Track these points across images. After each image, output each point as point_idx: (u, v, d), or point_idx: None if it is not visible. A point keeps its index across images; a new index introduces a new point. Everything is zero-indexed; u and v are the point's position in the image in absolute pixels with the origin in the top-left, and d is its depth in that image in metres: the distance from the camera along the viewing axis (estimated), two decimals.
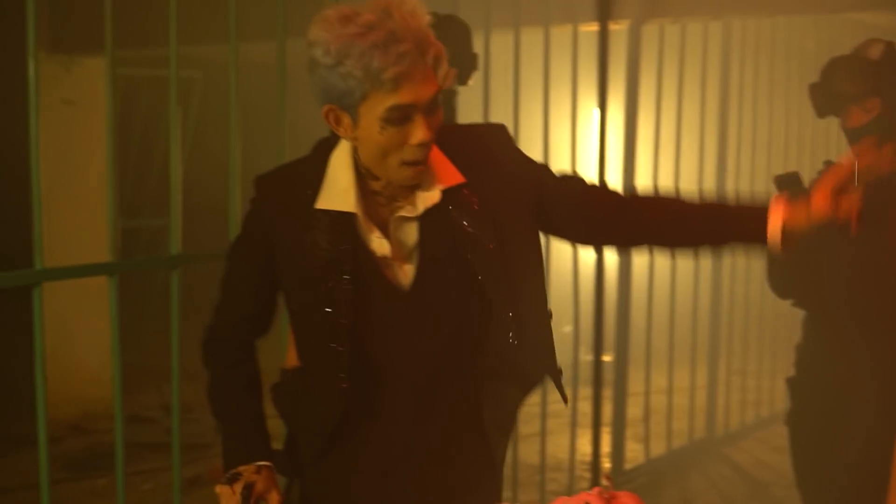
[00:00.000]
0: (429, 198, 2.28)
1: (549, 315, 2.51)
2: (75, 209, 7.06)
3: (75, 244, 6.59)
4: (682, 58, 6.16)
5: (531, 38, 5.24)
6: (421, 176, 2.26)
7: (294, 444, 2.51)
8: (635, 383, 6.20)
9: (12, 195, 3.49)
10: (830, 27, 6.94)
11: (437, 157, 2.31)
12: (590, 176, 2.48)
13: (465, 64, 3.78)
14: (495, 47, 4.76)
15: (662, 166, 6.13)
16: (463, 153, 2.34)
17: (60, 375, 6.97)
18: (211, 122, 6.61)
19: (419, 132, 2.17)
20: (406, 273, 2.32)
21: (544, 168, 2.46)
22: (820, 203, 2.19)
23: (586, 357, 6.25)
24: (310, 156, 2.42)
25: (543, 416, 5.26)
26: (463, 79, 3.80)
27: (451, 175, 2.31)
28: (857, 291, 3.57)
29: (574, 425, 5.49)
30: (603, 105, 5.40)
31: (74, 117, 7.17)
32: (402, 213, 2.29)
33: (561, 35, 5.42)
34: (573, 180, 2.46)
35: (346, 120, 2.20)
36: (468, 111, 3.90)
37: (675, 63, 6.13)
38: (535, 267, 2.43)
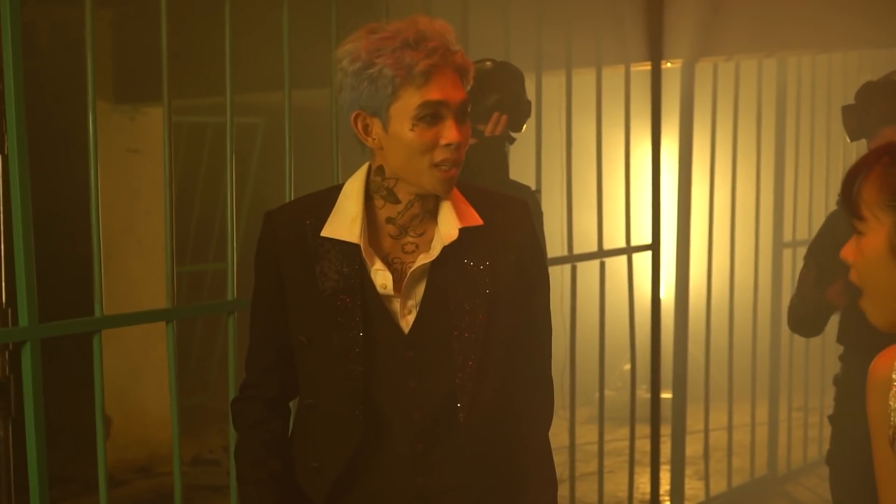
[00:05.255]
0: (446, 237, 2.27)
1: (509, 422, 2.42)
2: (141, 255, 7.19)
3: (142, 288, 6.72)
4: (736, 95, 6.19)
5: (583, 79, 5.30)
6: (452, 184, 2.27)
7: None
8: (694, 420, 6.19)
9: (82, 243, 3.59)
10: (888, 61, 6.93)
11: (459, 198, 2.33)
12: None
13: (518, 111, 3.83)
14: (547, 89, 4.82)
15: (718, 206, 6.16)
16: (485, 215, 2.34)
17: (128, 418, 7.10)
18: (273, 167, 6.73)
19: (450, 132, 2.20)
20: (409, 315, 2.30)
21: (539, 267, 2.44)
22: None
23: (645, 394, 6.27)
24: (324, 189, 2.41)
25: (601, 454, 5.27)
26: (517, 125, 3.85)
27: (470, 216, 2.31)
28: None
29: (632, 463, 5.50)
30: (657, 145, 5.44)
31: (139, 165, 7.31)
32: (421, 261, 2.28)
33: (613, 75, 5.47)
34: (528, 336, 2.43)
35: (376, 125, 2.22)
36: (521, 153, 3.96)
37: (730, 101, 6.16)
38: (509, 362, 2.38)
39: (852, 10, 5.17)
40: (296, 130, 3.74)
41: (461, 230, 2.28)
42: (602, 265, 5.15)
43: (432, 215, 2.32)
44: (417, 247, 2.31)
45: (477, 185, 2.48)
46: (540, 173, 4.66)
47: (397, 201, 2.30)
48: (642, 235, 5.51)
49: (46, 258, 3.30)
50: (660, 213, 5.45)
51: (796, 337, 6.85)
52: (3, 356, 3.37)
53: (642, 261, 5.48)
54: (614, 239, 5.38)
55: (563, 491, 5.57)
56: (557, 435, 6.23)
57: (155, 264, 6.98)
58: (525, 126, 3.94)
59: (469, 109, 2.26)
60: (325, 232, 2.29)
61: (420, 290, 2.30)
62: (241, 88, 3.69)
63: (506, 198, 2.45)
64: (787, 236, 6.78)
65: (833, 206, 6.90)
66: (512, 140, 3.85)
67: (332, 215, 2.31)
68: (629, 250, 5.36)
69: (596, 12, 5.14)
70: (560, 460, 5.69)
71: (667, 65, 5.58)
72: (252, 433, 2.43)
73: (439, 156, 2.21)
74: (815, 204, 6.85)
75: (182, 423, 3.47)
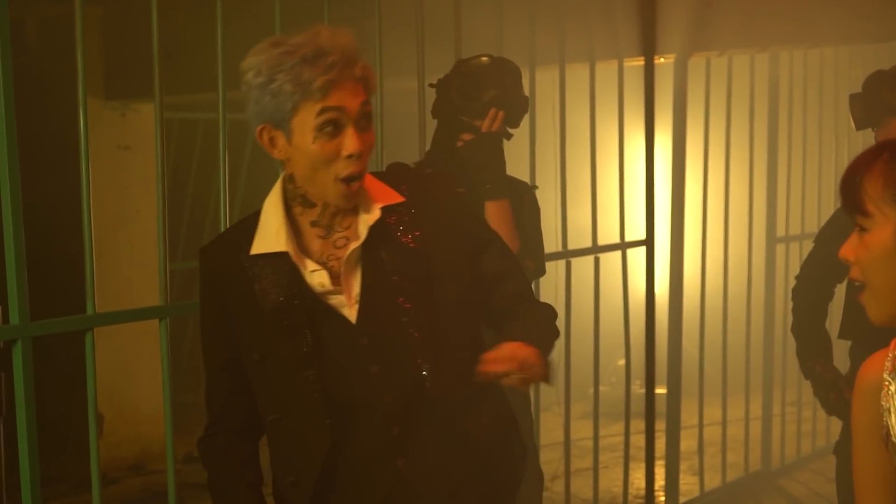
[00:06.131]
0: (369, 218, 2.31)
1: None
2: (132, 252, 7.16)
3: (134, 286, 6.69)
4: (729, 90, 6.18)
5: (577, 75, 5.29)
6: (356, 196, 2.29)
7: None
8: (689, 415, 6.18)
9: (73, 241, 3.58)
10: (878, 56, 6.93)
11: (374, 182, 2.36)
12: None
13: (515, 107, 3.81)
14: (541, 84, 4.81)
15: (711, 201, 6.14)
16: (405, 191, 2.39)
17: (120, 415, 7.07)
18: (264, 164, 6.73)
19: (351, 142, 2.22)
20: (356, 305, 2.32)
21: (478, 230, 2.48)
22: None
23: (639, 390, 6.26)
24: (249, 214, 2.46)
25: (596, 450, 5.26)
26: (513, 122, 3.83)
27: (389, 195, 2.35)
28: None
29: (627, 459, 5.49)
30: (650, 140, 5.43)
31: (130, 162, 7.28)
32: (352, 247, 2.30)
33: (606, 70, 5.46)
34: (491, 262, 2.46)
35: (281, 138, 2.26)
36: (515, 147, 3.94)
37: (723, 96, 6.15)
38: (468, 322, 2.43)
39: (844, 5, 5.17)
40: None
41: (385, 209, 2.32)
42: (596, 261, 5.14)
43: (353, 208, 2.34)
44: (348, 239, 2.34)
45: (394, 170, 2.57)
46: (534, 169, 4.65)
47: (313, 205, 2.33)
48: (636, 231, 5.50)
49: (37, 256, 3.27)
50: (654, 208, 5.44)
51: (790, 332, 6.87)
52: None
53: (636, 256, 5.46)
54: (608, 234, 5.36)
55: (558, 487, 5.57)
56: (552, 430, 6.24)
57: (146, 262, 6.96)
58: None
59: (370, 111, 2.28)
60: (255, 249, 2.33)
61: (360, 278, 2.32)
62: (234, 84, 3.65)
63: (423, 173, 2.55)
64: (781, 231, 6.77)
65: (826, 201, 6.93)
66: (508, 136, 3.83)
67: (257, 233, 2.35)
68: (623, 246, 5.35)
69: (589, 7, 5.12)
70: (555, 456, 5.69)
71: (660, 60, 5.57)
72: (223, 462, 2.46)
73: (343, 170, 2.23)
74: (808, 199, 6.85)
75: (174, 420, 3.45)
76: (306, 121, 2.20)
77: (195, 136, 7.90)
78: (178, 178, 7.58)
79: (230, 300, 2.36)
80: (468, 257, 2.40)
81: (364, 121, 2.25)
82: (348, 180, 2.24)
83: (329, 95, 2.19)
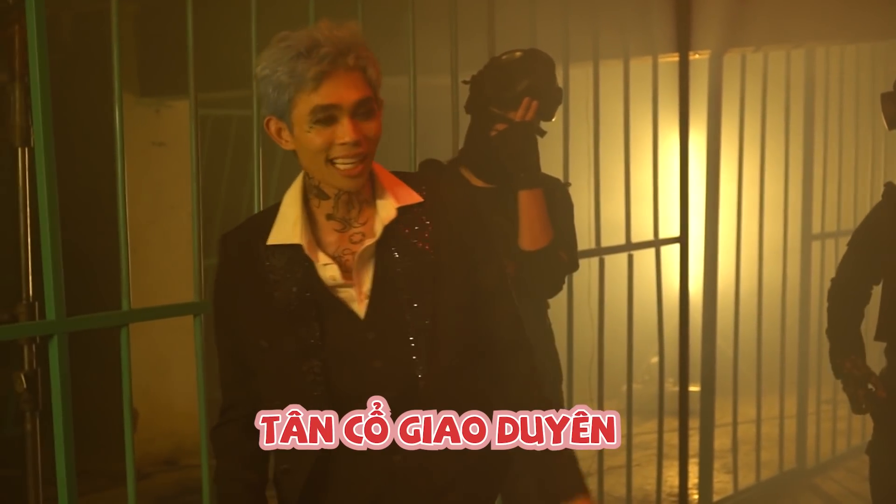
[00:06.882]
0: (385, 217, 2.36)
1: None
2: (167, 248, 7.20)
3: (169, 282, 6.72)
4: (764, 87, 6.15)
5: (611, 71, 5.27)
6: (358, 180, 2.32)
7: None
8: (723, 413, 6.15)
9: (108, 237, 3.60)
10: None
11: (395, 181, 2.41)
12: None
13: (549, 98, 3.78)
14: (575, 80, 4.79)
15: (746, 198, 6.11)
16: (423, 193, 2.43)
17: (154, 411, 7.11)
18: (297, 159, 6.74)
19: (344, 132, 2.25)
20: (365, 300, 2.36)
21: (483, 244, 2.48)
22: None
23: (673, 388, 6.23)
24: (271, 205, 2.50)
25: (629, 447, 5.24)
26: (547, 113, 3.80)
27: (407, 195, 2.40)
28: None
29: (661, 457, 5.47)
30: (685, 137, 5.40)
31: (165, 158, 7.31)
32: (366, 243, 2.35)
33: (641, 67, 5.43)
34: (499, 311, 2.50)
35: (285, 129, 2.32)
36: (549, 144, 3.93)
37: (758, 92, 6.12)
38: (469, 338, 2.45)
39: (879, 1, 5.13)
40: None
41: (402, 209, 2.37)
42: (630, 258, 5.12)
43: (370, 204, 2.39)
44: (364, 235, 2.38)
45: (421, 170, 2.55)
46: (567, 165, 4.63)
47: (326, 197, 2.37)
48: (670, 228, 5.47)
49: (72, 252, 3.28)
50: (688, 205, 5.41)
51: (824, 328, 6.82)
52: (31, 350, 3.38)
53: (670, 253, 5.44)
54: (642, 231, 5.34)
55: (591, 484, 5.53)
56: None
57: (180, 258, 7.00)
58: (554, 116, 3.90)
59: (372, 105, 2.30)
60: (271, 240, 2.38)
61: (371, 274, 2.37)
62: None
63: (442, 179, 2.54)
64: (816, 228, 6.73)
65: (862, 197, 6.89)
66: (542, 133, 3.80)
67: (275, 224, 2.40)
68: (657, 243, 5.32)
69: (623, 4, 5.11)
70: (588, 453, 5.66)
71: (695, 56, 5.54)
72: (228, 454, 2.51)
73: (335, 153, 2.28)
74: (844, 196, 6.80)
75: (208, 416, 3.46)
76: (302, 112, 2.26)
77: (229, 133, 7.92)
78: (211, 175, 7.61)
79: (243, 287, 2.40)
80: (470, 268, 2.44)
81: (363, 110, 2.29)
82: (342, 162, 2.28)
83: (321, 86, 2.24)
